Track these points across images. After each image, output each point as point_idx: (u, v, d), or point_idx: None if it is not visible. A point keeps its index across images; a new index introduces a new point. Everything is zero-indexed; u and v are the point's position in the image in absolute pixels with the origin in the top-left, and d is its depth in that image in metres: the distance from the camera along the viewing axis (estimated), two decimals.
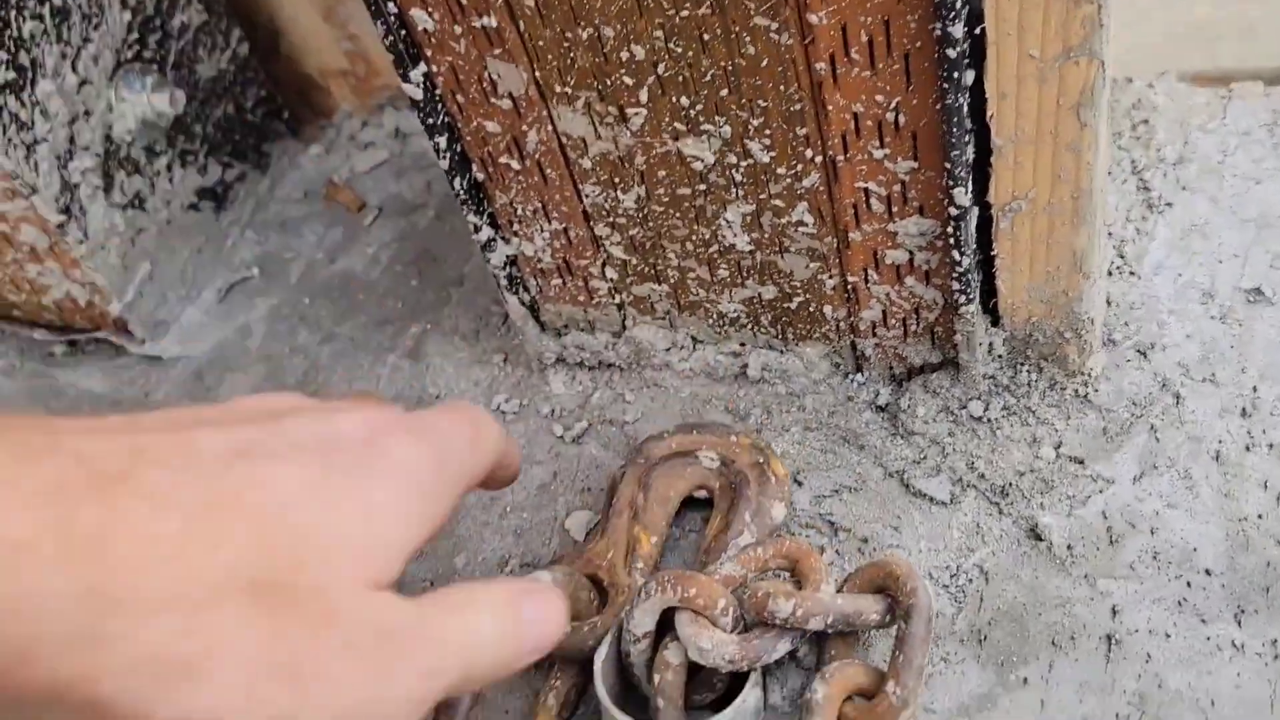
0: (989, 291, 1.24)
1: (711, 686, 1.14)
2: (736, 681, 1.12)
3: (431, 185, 1.92)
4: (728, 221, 1.24)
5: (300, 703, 0.60)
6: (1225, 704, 1.04)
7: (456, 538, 1.40)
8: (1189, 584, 1.13)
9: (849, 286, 1.28)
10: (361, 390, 1.63)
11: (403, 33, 1.13)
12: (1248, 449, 1.21)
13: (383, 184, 1.96)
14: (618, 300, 1.42)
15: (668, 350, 1.45)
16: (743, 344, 1.42)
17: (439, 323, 1.69)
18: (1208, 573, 1.13)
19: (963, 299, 1.21)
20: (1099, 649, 1.11)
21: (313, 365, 1.69)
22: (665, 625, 1.13)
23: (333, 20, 1.92)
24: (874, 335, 1.33)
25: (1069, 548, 1.19)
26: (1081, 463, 1.25)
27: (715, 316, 1.39)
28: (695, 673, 1.12)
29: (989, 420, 1.30)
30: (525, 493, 1.43)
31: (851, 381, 1.39)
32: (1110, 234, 1.42)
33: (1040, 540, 1.20)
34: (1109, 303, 1.36)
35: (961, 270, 1.18)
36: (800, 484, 1.32)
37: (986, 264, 1.21)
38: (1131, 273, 1.40)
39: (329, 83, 2.01)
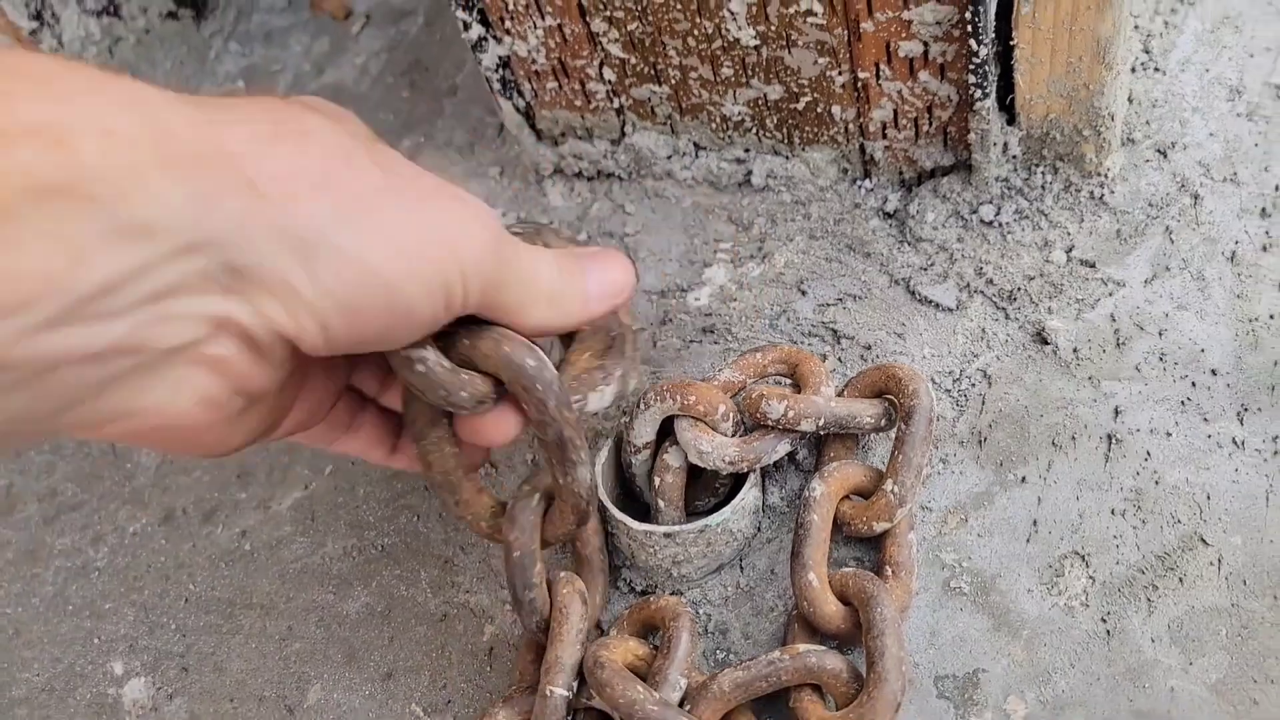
0: (1006, 87, 1.19)
1: (713, 491, 1.15)
2: (736, 488, 1.12)
3: None
4: (732, 13, 1.17)
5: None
6: (1221, 498, 1.05)
7: None
8: (1194, 384, 1.12)
9: (859, 83, 1.22)
10: None
11: None
12: (1265, 249, 1.18)
13: None
14: (616, 104, 1.36)
15: (669, 158, 1.40)
16: (747, 150, 1.37)
17: (432, 135, 1.63)
18: (1213, 373, 1.12)
19: (979, 94, 1.16)
20: (1099, 448, 1.11)
21: None
22: (665, 434, 1.13)
23: None
24: (884, 137, 1.28)
25: (1075, 351, 1.17)
26: (1093, 266, 1.22)
27: (718, 120, 1.34)
28: (696, 479, 1.13)
29: (1000, 224, 1.26)
30: None
31: (859, 188, 1.34)
32: (1137, 28, 1.34)
33: (1046, 344, 1.18)
34: (1130, 100, 1.30)
35: (979, 61, 1.12)
36: (804, 293, 1.30)
37: (1005, 56, 1.15)
38: (1156, 69, 1.33)
39: None
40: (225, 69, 1.82)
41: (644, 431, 1.12)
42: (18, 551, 1.37)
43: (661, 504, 1.09)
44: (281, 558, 1.27)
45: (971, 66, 1.13)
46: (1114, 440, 1.11)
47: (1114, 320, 1.18)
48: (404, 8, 1.82)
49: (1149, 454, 1.09)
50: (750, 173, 1.37)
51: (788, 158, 1.35)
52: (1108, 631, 1.00)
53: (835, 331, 1.26)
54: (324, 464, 1.33)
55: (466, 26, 1.28)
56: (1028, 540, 1.07)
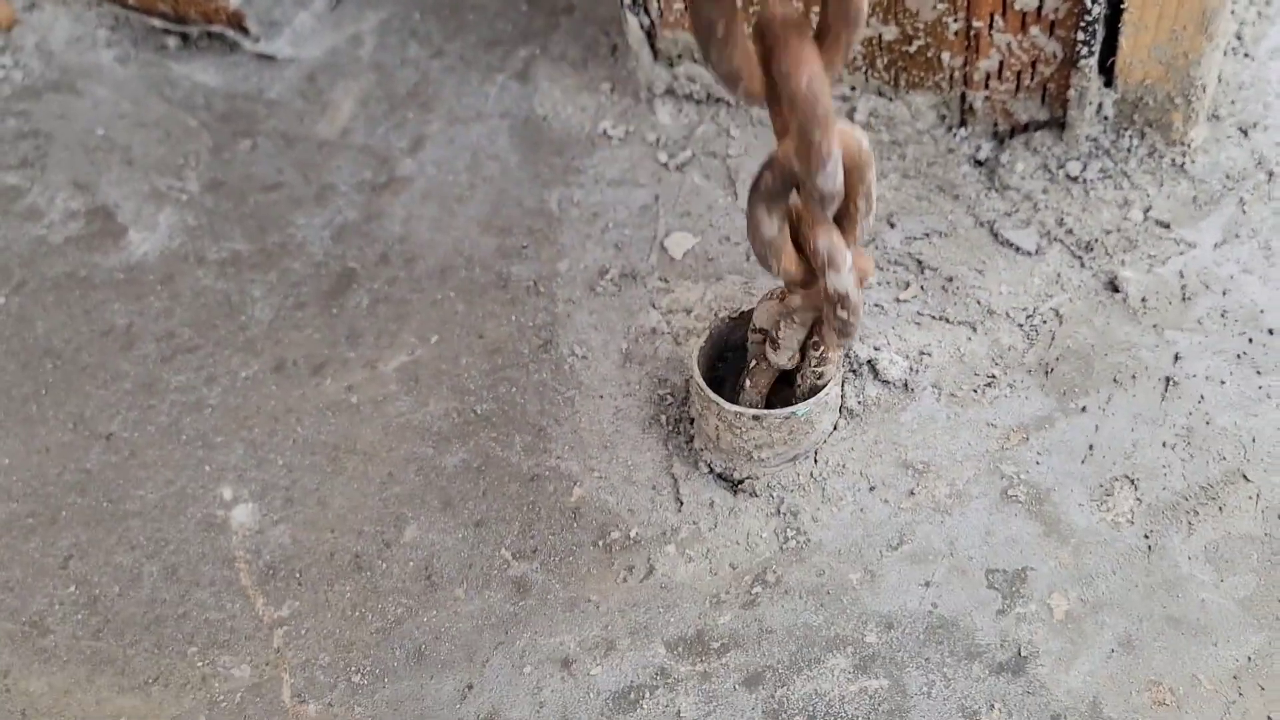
0: (1107, 50, 1.27)
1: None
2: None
3: None
4: None
5: None
6: (1265, 442, 1.14)
7: (559, 245, 1.49)
8: (1250, 340, 1.21)
9: (972, 32, 1.31)
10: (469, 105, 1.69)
11: None
12: None
13: None
14: None
15: None
16: (853, 88, 1.46)
17: (547, 48, 1.72)
18: (1270, 332, 1.21)
19: (1085, 51, 1.24)
20: (1156, 388, 1.20)
21: (423, 78, 1.74)
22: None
23: None
24: (986, 87, 1.37)
25: (1143, 300, 1.26)
26: (1167, 226, 1.31)
27: None
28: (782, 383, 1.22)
29: (1084, 180, 1.35)
30: (627, 211, 1.51)
31: (954, 135, 1.43)
32: (1233, 13, 1.43)
33: (1117, 292, 1.28)
34: (1220, 79, 1.38)
35: (1090, 19, 1.20)
36: (893, 225, 1.39)
37: (1111, 19, 1.23)
38: (1246, 54, 1.41)
39: None
40: None
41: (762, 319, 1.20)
42: (135, 384, 1.48)
43: (748, 383, 1.19)
44: (385, 412, 1.38)
45: (1083, 24, 1.21)
46: (1171, 382, 1.20)
47: (1182, 277, 1.27)
48: None
49: (1202, 397, 1.18)
50: (854, 109, 1.46)
51: (891, 99, 1.44)
52: (1149, 547, 1.10)
53: (920, 262, 1.36)
54: (430, 333, 1.43)
55: None
56: (1083, 461, 1.17)
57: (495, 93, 1.69)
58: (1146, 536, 1.11)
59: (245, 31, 1.82)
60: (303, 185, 1.65)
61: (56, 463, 1.40)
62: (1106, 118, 1.33)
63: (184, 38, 1.88)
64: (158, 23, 1.86)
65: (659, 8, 1.46)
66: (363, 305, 1.49)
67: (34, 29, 1.89)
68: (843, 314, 1.01)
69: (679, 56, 1.52)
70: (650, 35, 1.50)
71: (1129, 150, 1.34)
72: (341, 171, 1.65)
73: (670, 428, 1.30)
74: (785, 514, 1.20)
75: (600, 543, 1.22)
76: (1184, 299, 1.25)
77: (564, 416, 1.33)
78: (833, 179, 0.87)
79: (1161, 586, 1.08)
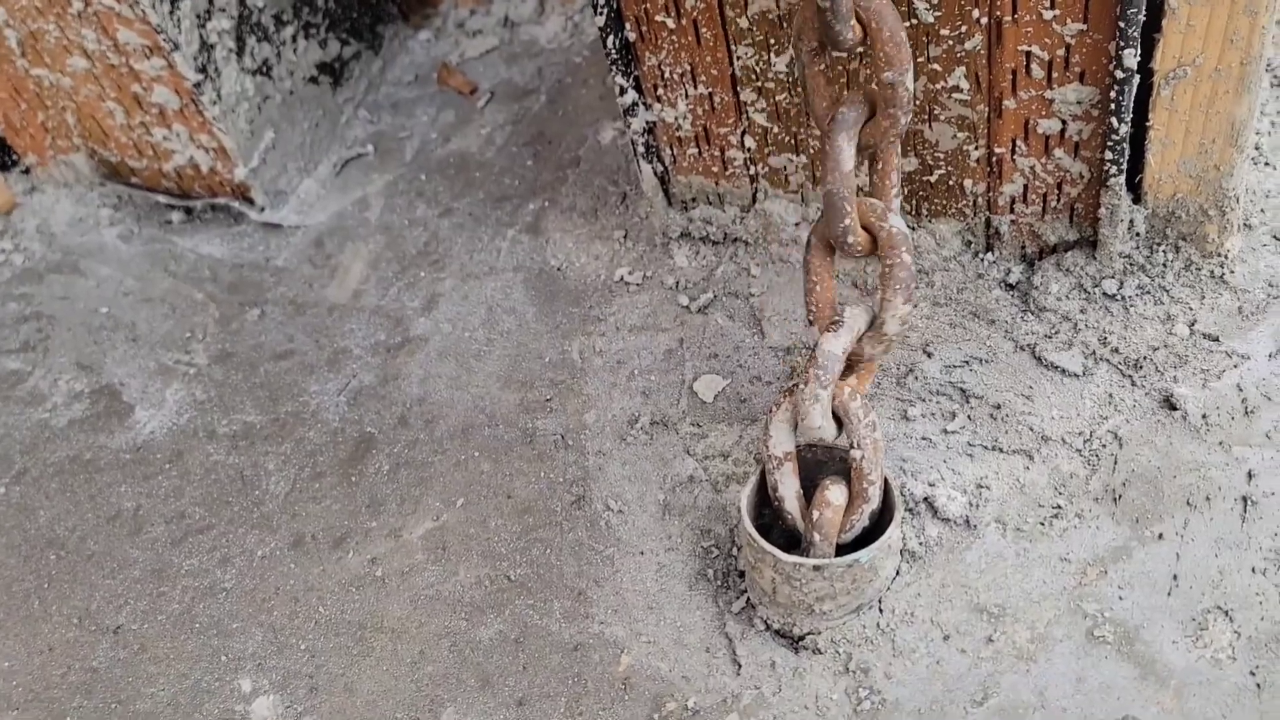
0: (1135, 168, 1.26)
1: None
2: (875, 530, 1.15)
3: (543, 71, 1.94)
4: None
5: None
6: None
7: (585, 396, 1.44)
8: None
9: (994, 159, 1.29)
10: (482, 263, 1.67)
11: None
12: None
13: (493, 69, 1.97)
14: (751, 172, 1.44)
15: (797, 225, 1.47)
16: None
17: (556, 200, 1.71)
18: None
19: (1113, 169, 1.23)
20: (1234, 509, 1.14)
21: (433, 236, 1.72)
22: (815, 474, 1.16)
23: None
24: (1012, 211, 1.35)
25: (1204, 417, 1.21)
26: (1216, 340, 1.27)
27: None
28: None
29: (1123, 298, 1.32)
30: (652, 357, 1.46)
31: (982, 260, 1.41)
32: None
33: (1175, 410, 1.22)
34: (1246, 189, 1.37)
35: (1117, 139, 1.19)
36: (929, 355, 1.35)
37: (1137, 139, 1.22)
38: (1266, 163, 1.41)
39: None
40: (355, 134, 1.92)
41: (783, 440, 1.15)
42: (144, 570, 1.40)
43: (817, 538, 1.11)
44: (413, 585, 1.30)
45: (1110, 143, 1.20)
46: (1249, 502, 1.14)
47: (1240, 390, 1.22)
48: (527, 87, 1.93)
49: None
50: None
51: (914, 228, 1.41)
52: (1258, 685, 1.01)
53: (963, 391, 1.31)
54: (455, 496, 1.36)
55: (622, 91, 1.37)
56: (1169, 594, 1.09)
57: (507, 247, 1.67)
58: (1253, 673, 1.02)
59: (251, 202, 1.81)
60: (315, 351, 1.60)
61: (61, 663, 1.31)
62: (1139, 234, 1.31)
63: (188, 211, 1.87)
64: (162, 199, 1.85)
65: (673, 155, 1.45)
66: (383, 471, 1.42)
67: (35, 212, 1.88)
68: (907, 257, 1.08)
69: (693, 200, 1.51)
70: (664, 181, 1.49)
71: (1165, 264, 1.31)
72: (354, 335, 1.61)
73: (719, 583, 1.22)
74: (855, 672, 1.11)
75: (655, 716, 1.13)
76: (1246, 413, 1.20)
77: (604, 577, 1.25)
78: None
79: None
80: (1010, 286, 1.38)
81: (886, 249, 1.10)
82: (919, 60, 1.21)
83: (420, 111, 1.95)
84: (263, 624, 1.31)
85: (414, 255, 1.70)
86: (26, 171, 1.88)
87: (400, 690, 1.21)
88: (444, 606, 1.27)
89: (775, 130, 1.37)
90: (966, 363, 1.33)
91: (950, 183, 1.34)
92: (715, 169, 1.45)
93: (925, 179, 1.35)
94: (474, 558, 1.30)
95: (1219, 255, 1.30)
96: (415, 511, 1.37)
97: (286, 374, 1.58)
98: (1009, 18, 1.14)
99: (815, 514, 1.11)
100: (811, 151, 1.38)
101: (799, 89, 1.30)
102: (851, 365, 1.17)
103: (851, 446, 1.12)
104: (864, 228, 1.12)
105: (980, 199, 1.35)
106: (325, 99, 1.89)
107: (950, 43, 1.19)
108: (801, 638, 1.14)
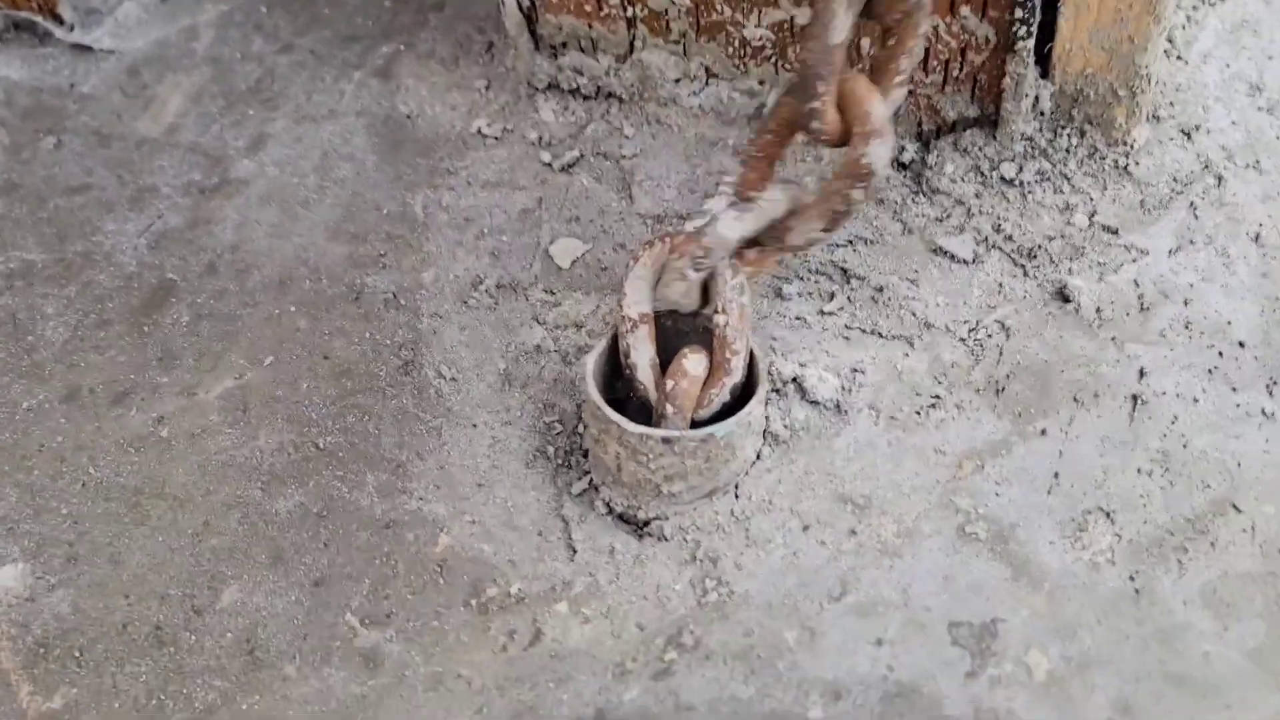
0: (1045, 36, 1.15)
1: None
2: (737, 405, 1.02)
3: None
4: None
5: None
6: (1252, 466, 0.99)
7: (425, 253, 1.27)
8: (1220, 354, 1.07)
9: None
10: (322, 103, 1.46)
11: None
12: None
13: None
14: (629, 14, 1.28)
15: (677, 82, 1.32)
16: (761, 81, 1.29)
17: (414, 45, 1.52)
18: (1241, 345, 1.08)
19: (1022, 31, 1.11)
20: (1123, 408, 1.05)
21: (268, 73, 1.50)
22: (673, 345, 1.02)
23: None
24: (910, 81, 1.22)
25: (1098, 310, 1.12)
26: (1115, 232, 1.18)
27: (736, 44, 1.26)
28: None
29: (1021, 183, 1.21)
30: (505, 216, 1.30)
31: None
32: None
33: (1067, 302, 1.13)
34: (1155, 81, 1.27)
35: None
36: None
37: (1048, 3, 1.11)
38: (1179, 57, 1.32)
39: None
40: None
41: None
42: None
43: (670, 410, 0.97)
44: (203, 448, 1.11)
45: (1019, 1, 1.08)
46: (1139, 401, 1.05)
47: (1138, 285, 1.13)
48: None
49: (1176, 417, 1.03)
50: (763, 105, 1.30)
51: None
52: (1136, 590, 0.93)
53: (845, 271, 1.18)
54: (263, 354, 1.18)
55: None
56: (1048, 492, 1.00)
57: (352, 90, 1.47)
58: (1132, 578, 0.93)
59: (59, 20, 1.56)
60: (116, 187, 1.38)
61: None
62: (1043, 114, 1.20)
63: None
64: None
65: None
66: (181, 322, 1.22)
67: None
68: (858, 193, 0.95)
69: (564, 45, 1.33)
70: (530, 19, 1.32)
71: (1068, 150, 1.21)
72: (164, 172, 1.39)
73: (560, 461, 1.08)
74: (703, 561, 0.98)
75: (473, 603, 0.98)
76: (1142, 309, 1.11)
77: (428, 450, 1.09)
78: None
79: (1156, 638, 0.90)
80: (903, 166, 1.26)
81: (858, 140, 0.95)
82: None
83: None
84: (19, 484, 1.10)
85: (243, 91, 1.48)
86: None
87: (175, 563, 1.03)
88: (237, 473, 1.09)
89: None
90: (850, 242, 1.21)
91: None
92: (588, 7, 1.28)
93: None
94: (278, 422, 1.12)
95: (1124, 144, 1.21)
96: (214, 369, 1.17)
97: (80, 210, 1.36)
98: None
99: (670, 384, 0.97)
100: None
101: None
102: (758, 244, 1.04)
103: (716, 311, 0.99)
104: (840, 111, 0.96)
105: None
106: None
107: None
108: (646, 523, 1.01)
